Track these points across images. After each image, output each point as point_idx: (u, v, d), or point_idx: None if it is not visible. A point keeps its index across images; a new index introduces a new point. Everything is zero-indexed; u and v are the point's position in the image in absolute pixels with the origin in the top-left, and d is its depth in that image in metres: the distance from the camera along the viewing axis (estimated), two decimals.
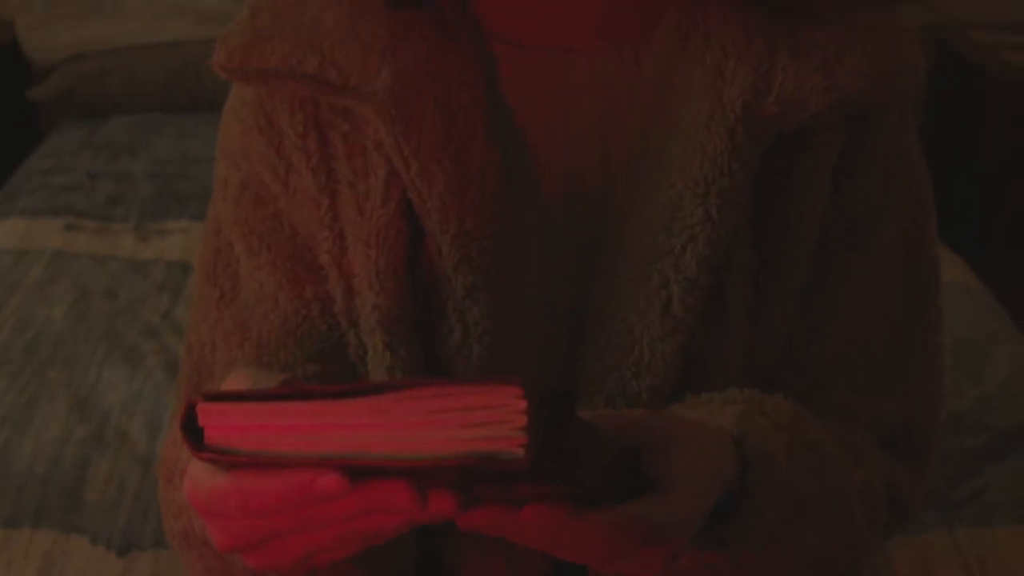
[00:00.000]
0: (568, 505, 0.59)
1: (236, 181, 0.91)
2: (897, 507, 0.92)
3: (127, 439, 1.51)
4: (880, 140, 0.88)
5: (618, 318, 0.85)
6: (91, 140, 2.46)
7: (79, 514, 1.41)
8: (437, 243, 0.83)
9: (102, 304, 1.82)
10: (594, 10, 0.86)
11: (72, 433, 1.51)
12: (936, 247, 0.97)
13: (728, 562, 0.76)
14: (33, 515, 1.40)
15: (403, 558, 0.85)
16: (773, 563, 0.80)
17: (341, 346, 0.89)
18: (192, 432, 0.58)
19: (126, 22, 2.55)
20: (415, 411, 0.55)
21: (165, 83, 2.55)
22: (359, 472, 0.54)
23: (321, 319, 0.88)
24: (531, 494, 0.57)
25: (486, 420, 0.54)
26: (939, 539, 1.41)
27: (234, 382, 0.64)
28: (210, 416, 0.57)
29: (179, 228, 2.06)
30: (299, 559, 0.60)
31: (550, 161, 0.87)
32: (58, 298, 1.84)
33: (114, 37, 2.55)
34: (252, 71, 0.84)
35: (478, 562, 0.87)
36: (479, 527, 0.58)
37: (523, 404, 0.53)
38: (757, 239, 0.86)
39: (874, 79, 0.83)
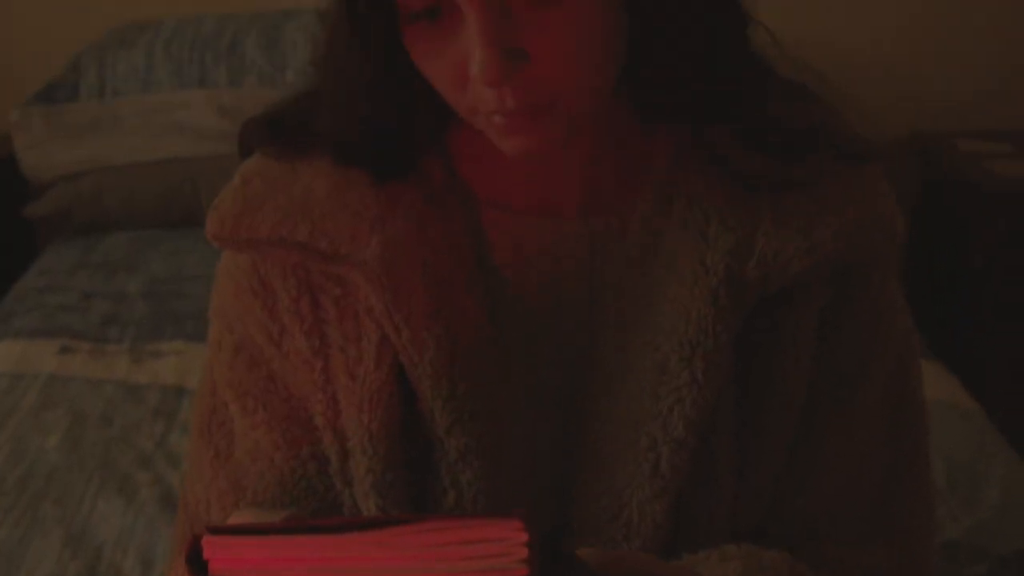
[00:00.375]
0: None
1: (230, 343, 0.92)
2: None
3: (120, 575, 1.50)
4: (863, 295, 0.90)
5: (607, 481, 0.86)
6: (87, 258, 2.47)
7: None
8: (430, 407, 0.84)
9: (97, 431, 1.82)
10: (578, 177, 0.88)
11: (65, 570, 1.49)
12: (922, 392, 0.98)
13: None
14: None
15: None
16: None
17: (336, 505, 0.89)
18: (197, 565, 0.59)
19: (123, 140, 2.58)
20: (416, 544, 0.56)
21: (161, 200, 2.57)
22: None
23: (318, 478, 0.89)
24: None
25: (487, 553, 0.55)
26: None
27: (237, 519, 0.65)
28: (215, 549, 0.59)
29: (174, 350, 2.07)
30: None
31: (538, 321, 0.89)
32: (53, 425, 1.83)
33: (111, 155, 2.58)
34: (243, 240, 0.86)
35: None
36: None
37: (524, 537, 0.55)
38: (742, 397, 0.87)
39: (853, 239, 0.85)
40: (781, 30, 2.79)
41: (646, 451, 0.84)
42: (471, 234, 0.87)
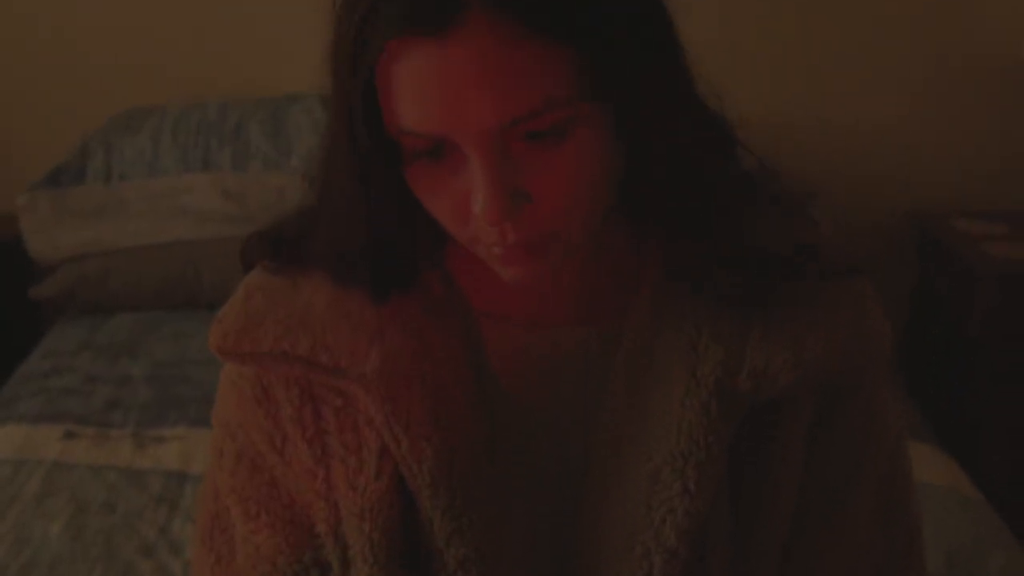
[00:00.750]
0: None
1: (232, 450, 0.93)
2: None
3: None
4: (853, 403, 0.92)
5: None
6: (91, 339, 2.49)
7: None
8: (429, 516, 0.85)
9: (99, 518, 1.82)
10: (572, 290, 0.91)
11: None
12: (915, 493, 0.99)
13: None
14: None
15: None
16: None
17: None
18: None
19: (129, 224, 2.60)
20: None
21: (165, 282, 2.58)
22: None
23: None
24: None
25: None
26: None
27: None
28: None
29: (176, 436, 2.07)
30: None
31: (535, 430, 0.90)
32: (55, 512, 1.84)
33: (116, 238, 2.60)
34: (247, 354, 0.88)
35: None
36: None
37: None
38: (735, 504, 0.88)
39: (842, 352, 0.87)
40: (783, 111, 2.84)
41: (640, 559, 0.85)
42: (469, 345, 0.89)
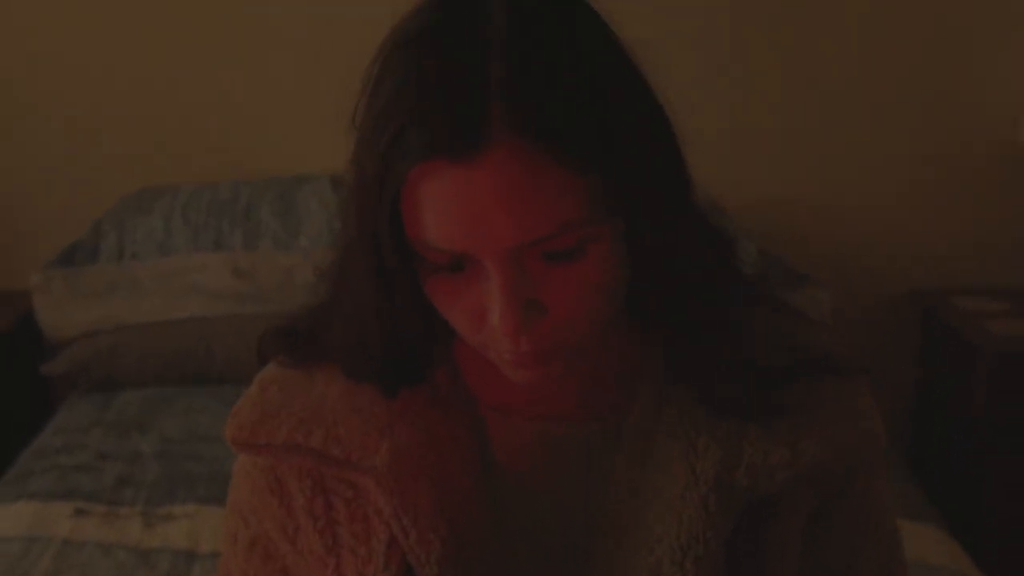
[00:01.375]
0: None
1: (246, 538, 0.96)
2: None
3: None
4: (849, 497, 0.94)
5: None
6: (102, 416, 2.50)
7: None
8: None
9: None
10: (577, 385, 0.93)
11: None
12: None
13: None
14: None
15: None
16: None
17: None
18: None
19: (141, 302, 2.63)
20: None
21: (176, 358, 2.60)
22: None
23: None
24: None
25: None
26: None
27: None
28: None
29: (185, 513, 2.09)
30: None
31: (539, 520, 0.92)
32: None
33: (128, 315, 2.63)
34: (262, 445, 0.91)
35: None
36: None
37: None
38: None
39: (837, 451, 0.89)
40: (784, 193, 2.89)
41: None
42: (475, 437, 0.92)
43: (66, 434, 2.44)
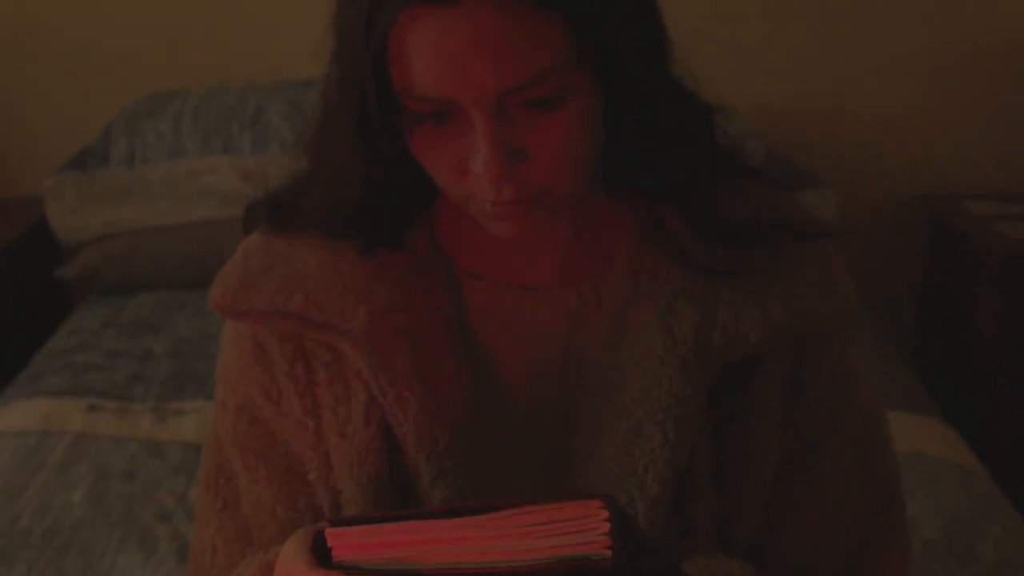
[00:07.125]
0: None
1: (233, 404, 0.98)
2: None
3: None
4: (822, 363, 0.95)
5: None
6: (115, 318, 2.54)
7: None
8: (414, 461, 0.90)
9: (120, 486, 1.88)
10: (553, 254, 0.95)
11: None
12: (892, 448, 1.03)
13: None
14: None
15: None
16: None
17: None
18: (321, 555, 0.73)
19: (151, 205, 2.64)
20: (508, 526, 0.68)
21: (188, 261, 2.62)
22: None
23: None
24: None
25: (573, 529, 0.66)
26: None
27: (293, 544, 0.78)
28: (335, 538, 0.72)
29: (195, 408, 2.13)
30: None
31: (516, 384, 0.95)
32: (78, 480, 1.90)
33: (140, 219, 2.65)
34: (244, 310, 0.93)
35: None
36: None
37: (606, 514, 0.66)
38: (716, 455, 0.93)
39: (807, 313, 0.91)
40: (793, 96, 2.87)
41: (625, 505, 0.89)
42: (452, 301, 0.94)
43: (80, 335, 2.48)
